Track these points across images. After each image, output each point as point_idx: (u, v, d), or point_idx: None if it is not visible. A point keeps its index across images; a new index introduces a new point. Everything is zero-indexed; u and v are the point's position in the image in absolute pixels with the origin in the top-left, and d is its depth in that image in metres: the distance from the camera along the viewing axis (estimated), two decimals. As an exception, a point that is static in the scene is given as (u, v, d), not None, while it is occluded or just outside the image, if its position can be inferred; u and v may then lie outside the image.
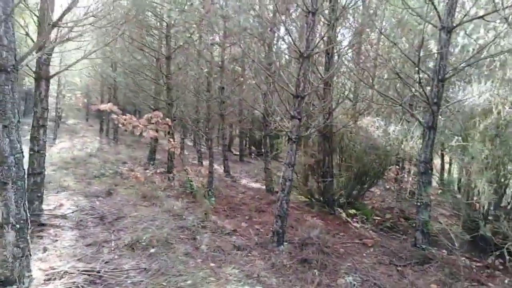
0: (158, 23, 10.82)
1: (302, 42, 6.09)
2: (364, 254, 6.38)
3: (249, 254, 5.59)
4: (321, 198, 9.23)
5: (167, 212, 6.57)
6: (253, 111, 12.10)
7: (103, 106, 8.72)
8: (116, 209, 6.57)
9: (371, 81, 7.69)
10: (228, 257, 5.23)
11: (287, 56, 10.32)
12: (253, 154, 21.49)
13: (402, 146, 7.70)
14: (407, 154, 8.13)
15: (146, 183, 8.78)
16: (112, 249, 4.93)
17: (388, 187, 10.77)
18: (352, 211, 9.29)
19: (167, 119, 9.15)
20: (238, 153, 19.75)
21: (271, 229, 6.60)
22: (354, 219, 9.01)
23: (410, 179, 10.26)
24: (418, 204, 6.45)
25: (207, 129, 9.35)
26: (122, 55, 12.04)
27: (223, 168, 14.25)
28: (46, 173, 9.81)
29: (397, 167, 10.08)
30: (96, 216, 6.12)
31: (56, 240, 4.97)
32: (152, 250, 4.91)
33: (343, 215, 9.13)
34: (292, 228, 7.23)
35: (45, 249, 4.69)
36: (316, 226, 7.56)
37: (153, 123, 8.98)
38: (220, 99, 9.44)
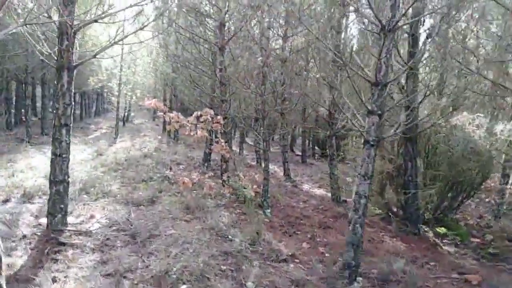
0: (212, 9, 9.79)
1: (381, 12, 4.55)
2: (470, 298, 4.68)
3: (311, 295, 4.22)
4: (401, 213, 7.51)
5: (211, 230, 5.43)
6: (317, 107, 10.59)
7: (148, 103, 7.87)
8: (153, 223, 5.58)
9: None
10: (282, 300, 3.93)
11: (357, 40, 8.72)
12: (316, 155, 19.88)
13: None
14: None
15: (195, 190, 7.77)
16: (135, 283, 3.87)
17: (487, 199, 8.65)
18: (442, 230, 7.47)
19: (219, 117, 8.05)
20: (300, 153, 18.30)
21: (339, 258, 5.16)
22: (444, 241, 7.18)
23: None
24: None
25: (261, 128, 8.10)
26: (175, 48, 11.22)
27: (283, 171, 12.94)
28: (95, 175, 9.47)
29: (499, 175, 7.95)
30: (128, 233, 5.16)
31: (70, 267, 4.03)
32: (183, 287, 3.76)
33: (430, 234, 7.34)
34: (366, 254, 5.70)
35: (54, 280, 3.77)
36: (399, 253, 5.94)
37: (202, 122, 7.94)
38: (276, 93, 8.12)
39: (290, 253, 5.27)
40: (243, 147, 17.41)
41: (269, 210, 7.22)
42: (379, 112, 4.36)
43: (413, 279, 4.72)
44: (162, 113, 7.63)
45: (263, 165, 14.80)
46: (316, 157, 19.50)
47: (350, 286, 4.43)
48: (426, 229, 7.51)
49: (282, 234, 6.39)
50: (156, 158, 12.36)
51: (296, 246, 5.75)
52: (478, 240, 7.24)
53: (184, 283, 3.81)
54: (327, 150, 10.02)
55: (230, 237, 5.21)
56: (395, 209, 7.42)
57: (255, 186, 7.75)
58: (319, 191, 11.14)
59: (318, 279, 4.57)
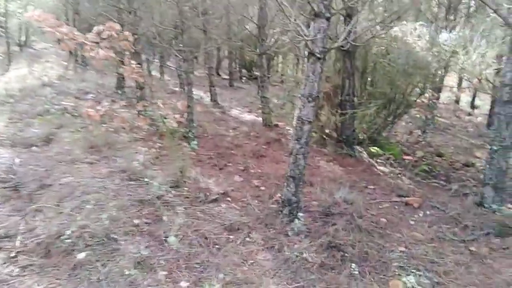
0: None
1: None
2: (412, 222, 4.43)
3: (248, 240, 3.56)
4: (336, 135, 7.09)
5: (122, 173, 4.39)
6: (246, 22, 9.34)
7: (28, 15, 6.04)
8: (45, 169, 4.37)
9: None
10: (213, 253, 3.20)
11: None
12: (244, 78, 18.86)
13: (460, 61, 5.35)
14: (467, 72, 5.80)
15: (104, 124, 6.47)
16: (12, 255, 2.83)
17: (418, 115, 8.62)
18: (376, 150, 7.26)
19: (126, 32, 6.51)
20: (227, 77, 17.13)
21: (276, 192, 4.54)
22: (379, 161, 7.00)
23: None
24: (494, 147, 4.32)
25: (181, 46, 6.80)
26: None
27: (209, 96, 11.84)
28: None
29: (432, 91, 7.77)
30: (9, 184, 3.93)
31: None
32: (80, 256, 2.82)
33: (365, 155, 7.10)
34: (305, 183, 5.18)
35: None
36: (337, 179, 5.52)
37: (105, 39, 6.38)
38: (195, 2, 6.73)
39: (221, 191, 4.50)
40: (163, 71, 15.71)
41: (195, 142, 6.30)
42: (328, 15, 3.43)
43: (356, 208, 4.30)
44: (50, 29, 5.91)
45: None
46: (243, 80, 18.51)
47: (290, 223, 3.85)
48: (360, 150, 7.25)
49: (211, 168, 5.58)
50: (59, 87, 10.44)
51: (228, 181, 5.00)
52: (410, 157, 7.19)
53: (81, 251, 2.86)
54: (256, 72, 9.07)
55: (146, 180, 4.24)
56: (330, 131, 6.95)
57: (177, 116, 6.65)
58: (250, 117, 10.40)
59: (254, 220, 3.92)
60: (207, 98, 12.09)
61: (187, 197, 4.16)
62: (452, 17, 6.52)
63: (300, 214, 3.98)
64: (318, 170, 5.97)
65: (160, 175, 4.45)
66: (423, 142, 8.51)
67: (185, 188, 4.38)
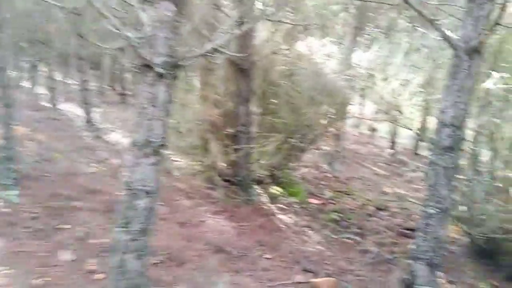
0: None
1: None
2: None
3: None
4: (230, 173, 5.55)
5: None
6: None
7: None
8: None
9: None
10: None
11: None
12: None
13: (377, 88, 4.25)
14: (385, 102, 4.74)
15: None
16: None
17: (327, 148, 7.54)
18: (277, 190, 5.93)
19: None
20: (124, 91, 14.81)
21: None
22: (282, 205, 5.64)
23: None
24: (430, 209, 3.11)
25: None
26: None
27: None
28: None
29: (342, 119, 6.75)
30: None
31: None
32: None
33: (265, 199, 5.69)
34: (172, 260, 3.46)
35: None
36: (222, 247, 3.93)
37: None
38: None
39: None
40: (35, 82, 12.81)
41: (14, 192, 4.15)
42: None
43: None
44: None
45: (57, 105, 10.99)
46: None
47: None
48: (260, 192, 5.84)
49: (29, 237, 3.56)
50: None
51: (43, 268, 3.05)
52: (317, 201, 5.97)
53: None
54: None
55: None
56: (221, 171, 5.38)
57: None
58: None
59: None
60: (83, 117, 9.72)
61: None
62: (366, 35, 5.52)
63: None
64: (200, 231, 4.32)
65: None
66: (331, 177, 7.46)
67: None
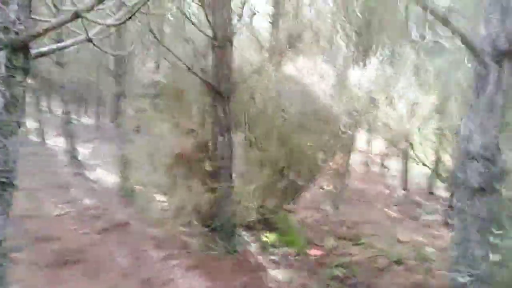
0: None
1: None
2: None
3: None
4: (209, 216, 4.69)
5: None
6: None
7: None
8: None
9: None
10: None
11: None
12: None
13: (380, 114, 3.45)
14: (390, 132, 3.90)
15: None
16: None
17: (328, 186, 6.63)
18: (269, 238, 5.01)
19: None
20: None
21: None
22: (273, 257, 4.70)
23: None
24: (460, 278, 2.20)
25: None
26: None
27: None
28: None
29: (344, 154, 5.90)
30: None
31: None
32: None
33: (254, 248, 4.78)
34: None
35: None
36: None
37: None
38: None
39: None
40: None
41: None
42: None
43: None
44: None
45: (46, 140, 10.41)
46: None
47: None
48: (249, 239, 4.95)
49: None
50: None
51: None
52: (317, 251, 5.01)
53: None
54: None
55: None
56: (197, 214, 4.53)
57: None
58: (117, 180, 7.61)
59: None
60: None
61: None
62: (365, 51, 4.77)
63: None
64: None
65: None
66: (335, 220, 6.49)
67: None
